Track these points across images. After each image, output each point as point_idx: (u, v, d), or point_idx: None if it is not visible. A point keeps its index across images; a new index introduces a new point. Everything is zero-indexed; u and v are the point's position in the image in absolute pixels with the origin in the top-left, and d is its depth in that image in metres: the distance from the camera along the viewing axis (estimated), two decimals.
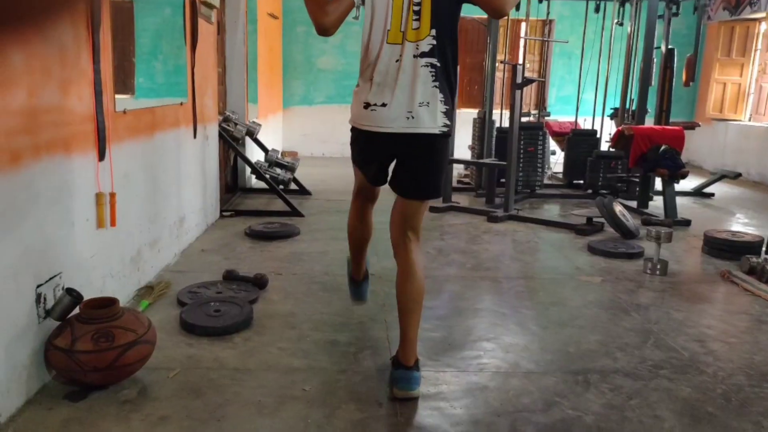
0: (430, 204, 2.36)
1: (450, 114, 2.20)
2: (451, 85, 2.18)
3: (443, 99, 2.16)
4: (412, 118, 2.14)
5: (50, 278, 2.23)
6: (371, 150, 2.30)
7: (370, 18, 2.16)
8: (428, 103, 2.14)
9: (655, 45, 6.28)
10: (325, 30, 2.11)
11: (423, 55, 2.11)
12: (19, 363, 2.06)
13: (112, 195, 2.67)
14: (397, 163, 2.28)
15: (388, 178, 2.34)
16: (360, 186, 2.53)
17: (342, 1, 2.10)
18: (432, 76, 2.13)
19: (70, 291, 2.26)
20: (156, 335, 2.36)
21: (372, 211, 2.63)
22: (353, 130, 2.31)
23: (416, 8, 2.09)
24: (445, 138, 2.21)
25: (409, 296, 2.29)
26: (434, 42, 2.11)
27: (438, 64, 2.13)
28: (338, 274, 3.53)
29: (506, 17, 2.99)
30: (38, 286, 2.16)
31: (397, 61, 2.13)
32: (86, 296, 2.33)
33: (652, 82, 6.43)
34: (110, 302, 2.29)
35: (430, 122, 2.15)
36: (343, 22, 2.15)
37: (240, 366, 2.43)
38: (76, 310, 2.26)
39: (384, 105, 2.14)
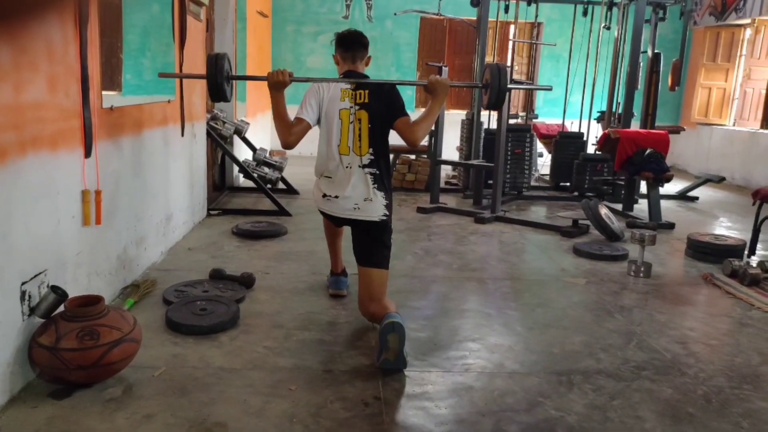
0: (386, 274, 2.84)
1: (389, 206, 2.86)
2: (386, 185, 2.87)
3: (384, 196, 2.83)
4: (358, 209, 2.81)
5: (35, 275, 2.22)
6: (333, 221, 3.02)
7: (325, 134, 2.88)
8: (371, 199, 2.81)
9: (641, 49, 6.35)
10: (287, 145, 2.81)
11: (365, 166, 2.82)
12: (3, 361, 2.04)
13: (98, 192, 2.66)
14: (352, 236, 2.91)
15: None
16: (328, 232, 3.28)
17: (301, 125, 2.81)
18: (372, 181, 2.82)
19: (55, 288, 2.25)
20: (141, 334, 2.36)
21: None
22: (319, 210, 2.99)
23: (359, 133, 2.82)
24: (385, 223, 2.84)
25: (367, 314, 2.84)
26: (372, 157, 2.83)
27: (377, 172, 2.83)
28: (325, 273, 3.53)
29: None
30: (23, 284, 2.14)
31: (347, 167, 2.82)
32: (71, 294, 2.32)
33: (639, 86, 6.50)
34: (95, 300, 2.29)
35: (372, 213, 2.81)
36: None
37: (226, 365, 2.43)
38: (61, 308, 2.25)
39: (337, 197, 2.83)
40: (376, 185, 2.81)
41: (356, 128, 2.82)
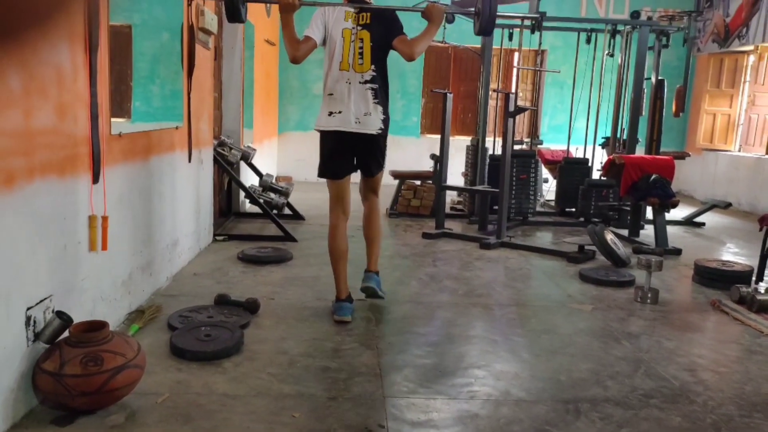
0: (381, 174, 3.43)
1: (386, 120, 3.25)
2: (386, 99, 3.26)
3: (382, 110, 3.22)
4: (359, 122, 3.18)
5: (41, 300, 2.22)
6: (335, 146, 3.24)
7: (329, 54, 3.21)
8: (370, 113, 3.19)
9: (645, 76, 6.39)
10: (295, 60, 3.13)
11: (366, 82, 3.18)
12: (6, 387, 2.04)
13: (105, 218, 2.68)
14: (356, 157, 3.31)
15: (351, 171, 3.34)
16: (334, 194, 3.36)
17: (308, 43, 3.15)
18: (373, 96, 3.19)
19: (60, 314, 2.25)
20: (145, 360, 2.35)
21: (346, 227, 3.41)
22: (321, 134, 3.28)
23: (360, 51, 3.16)
24: (380, 136, 3.25)
25: (371, 233, 3.50)
26: (374, 73, 3.19)
27: (376, 87, 3.19)
28: (330, 299, 3.52)
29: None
30: (28, 309, 2.15)
31: (347, 83, 3.17)
32: (76, 319, 2.32)
33: (643, 112, 6.53)
34: (100, 326, 2.28)
35: (371, 127, 3.19)
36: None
37: (229, 391, 2.41)
38: (66, 333, 2.25)
39: (340, 112, 3.18)
40: (376, 99, 3.19)
41: (357, 47, 3.16)
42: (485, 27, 3.18)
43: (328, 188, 3.36)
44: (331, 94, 3.19)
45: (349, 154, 3.28)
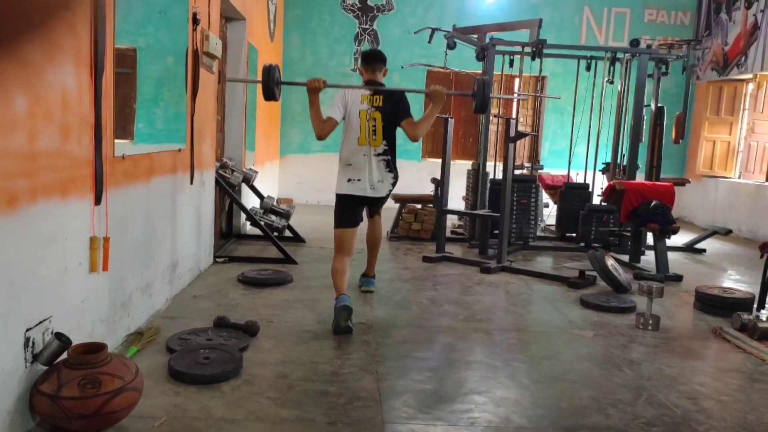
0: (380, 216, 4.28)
1: (395, 181, 3.94)
2: (394, 168, 3.92)
3: (392, 177, 3.91)
4: (373, 189, 3.86)
5: (40, 322, 2.22)
6: (351, 205, 3.90)
7: (347, 129, 3.86)
8: (383, 180, 3.87)
9: (645, 103, 6.44)
10: (321, 138, 3.73)
11: (380, 154, 3.85)
12: (2, 408, 2.02)
13: (106, 239, 2.68)
14: (367, 208, 4.12)
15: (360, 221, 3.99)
16: (342, 240, 3.84)
17: (331, 123, 3.75)
18: (385, 166, 3.87)
19: (59, 335, 2.24)
20: (143, 382, 2.34)
21: (350, 263, 3.86)
22: (339, 197, 3.89)
23: (374, 129, 3.81)
24: (387, 196, 3.98)
25: (372, 240, 4.32)
26: (386, 147, 3.86)
27: (388, 158, 3.87)
28: (329, 322, 3.51)
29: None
30: (27, 330, 2.14)
31: (364, 155, 3.82)
32: (75, 341, 2.31)
33: (643, 139, 6.56)
34: (99, 348, 2.28)
35: (382, 191, 3.90)
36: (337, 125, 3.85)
37: (227, 416, 2.39)
38: (64, 355, 2.24)
39: (359, 180, 3.83)
40: (388, 168, 3.87)
41: (371, 126, 3.79)
42: (480, 107, 3.77)
43: (337, 235, 3.85)
44: (350, 164, 3.82)
45: (360, 209, 3.97)
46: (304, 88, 3.64)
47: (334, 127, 3.74)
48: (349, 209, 3.88)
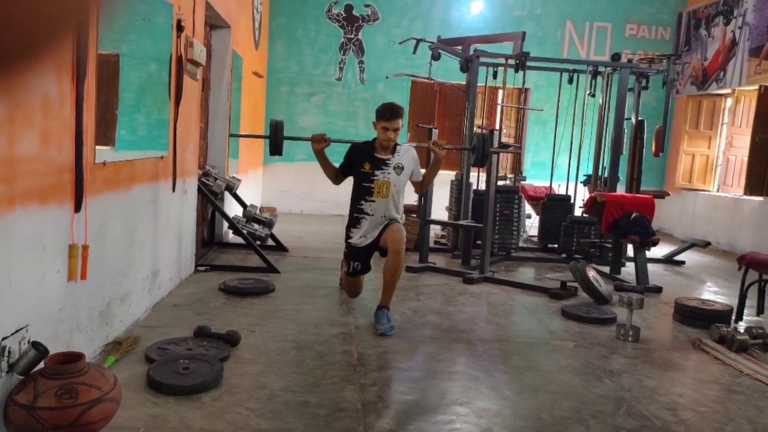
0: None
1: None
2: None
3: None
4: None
5: (16, 331, 2.18)
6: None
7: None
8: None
9: (625, 116, 6.52)
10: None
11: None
12: None
13: (86, 247, 2.64)
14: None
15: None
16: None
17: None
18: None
19: (36, 345, 2.20)
20: (121, 393, 2.30)
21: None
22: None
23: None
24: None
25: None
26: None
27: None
28: (311, 332, 3.49)
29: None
30: (3, 339, 2.10)
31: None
32: (52, 350, 2.27)
33: (623, 152, 6.64)
34: (76, 357, 2.24)
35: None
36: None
37: (207, 427, 2.36)
38: (41, 365, 2.20)
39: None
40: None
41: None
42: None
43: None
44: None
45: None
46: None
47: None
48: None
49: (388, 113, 3.80)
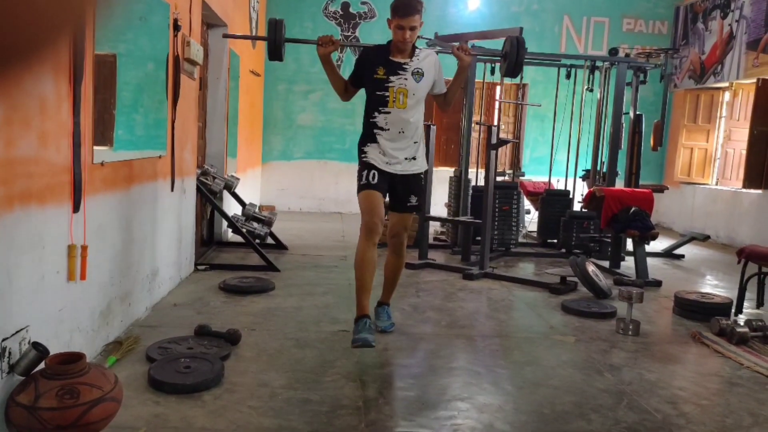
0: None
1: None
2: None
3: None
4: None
5: (17, 332, 2.18)
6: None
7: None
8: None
9: (623, 110, 6.52)
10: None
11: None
12: None
13: (84, 248, 2.64)
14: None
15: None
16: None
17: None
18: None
19: (36, 345, 2.21)
20: (122, 392, 2.30)
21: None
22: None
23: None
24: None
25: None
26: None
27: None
28: (312, 330, 3.49)
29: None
30: (3, 340, 2.10)
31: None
32: (53, 351, 2.28)
33: (622, 146, 6.64)
34: (77, 357, 2.24)
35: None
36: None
37: (208, 426, 2.37)
38: (42, 365, 2.20)
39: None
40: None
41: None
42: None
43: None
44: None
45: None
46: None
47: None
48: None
49: (402, 8, 3.19)
